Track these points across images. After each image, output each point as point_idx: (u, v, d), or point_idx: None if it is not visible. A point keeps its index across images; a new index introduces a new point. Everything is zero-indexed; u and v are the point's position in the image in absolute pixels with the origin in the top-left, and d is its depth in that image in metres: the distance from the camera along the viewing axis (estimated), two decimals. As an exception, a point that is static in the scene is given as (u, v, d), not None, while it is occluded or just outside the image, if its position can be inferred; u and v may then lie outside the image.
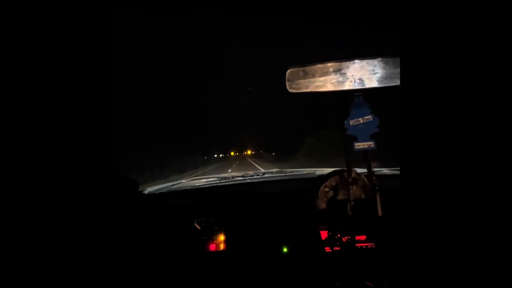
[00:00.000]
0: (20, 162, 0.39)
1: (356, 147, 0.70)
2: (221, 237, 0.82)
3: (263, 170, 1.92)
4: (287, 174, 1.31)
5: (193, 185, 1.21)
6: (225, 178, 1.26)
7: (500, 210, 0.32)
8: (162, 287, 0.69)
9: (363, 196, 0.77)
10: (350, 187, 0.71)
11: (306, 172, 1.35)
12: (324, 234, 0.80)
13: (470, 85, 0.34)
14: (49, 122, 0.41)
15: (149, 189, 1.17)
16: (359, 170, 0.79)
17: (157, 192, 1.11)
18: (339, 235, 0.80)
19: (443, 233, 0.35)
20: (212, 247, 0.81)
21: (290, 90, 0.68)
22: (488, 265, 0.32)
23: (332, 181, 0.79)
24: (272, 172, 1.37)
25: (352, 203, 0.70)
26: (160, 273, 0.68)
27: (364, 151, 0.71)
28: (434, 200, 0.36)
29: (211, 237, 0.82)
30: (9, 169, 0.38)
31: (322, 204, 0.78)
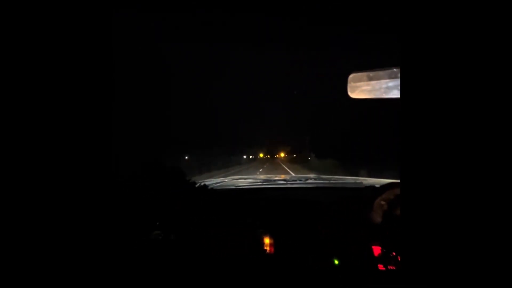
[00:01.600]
0: (21, 161, 0.39)
1: None
2: (267, 240, 0.82)
3: (293, 174, 1.88)
4: (331, 182, 1.26)
5: (236, 184, 1.23)
6: (267, 180, 1.26)
7: (502, 212, 0.31)
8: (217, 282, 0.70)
9: None
10: None
11: (353, 181, 1.28)
12: (377, 250, 0.75)
13: (472, 86, 0.34)
14: (49, 122, 0.41)
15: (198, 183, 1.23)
16: None
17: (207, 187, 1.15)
18: (394, 254, 0.74)
19: (444, 237, 0.34)
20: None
21: (352, 96, 0.65)
22: (490, 268, 0.32)
23: (389, 194, 0.73)
24: (314, 178, 1.33)
25: None
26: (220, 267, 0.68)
27: None
28: (435, 205, 0.35)
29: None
30: (10, 168, 0.38)
31: (378, 218, 0.73)
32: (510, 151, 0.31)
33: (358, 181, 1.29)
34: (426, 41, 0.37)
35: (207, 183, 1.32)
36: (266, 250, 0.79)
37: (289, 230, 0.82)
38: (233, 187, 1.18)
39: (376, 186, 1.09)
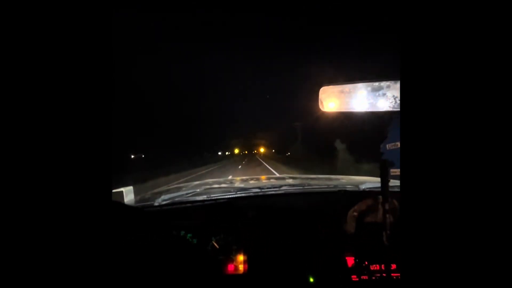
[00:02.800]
0: (20, 162, 0.37)
1: (392, 173, 0.64)
2: (241, 257, 0.78)
3: (277, 175, 1.87)
4: (305, 186, 1.26)
5: (209, 194, 1.18)
6: (241, 189, 1.22)
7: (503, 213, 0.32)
8: None
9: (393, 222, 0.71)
10: (387, 215, 0.65)
11: (325, 183, 1.30)
12: (350, 261, 0.75)
13: (472, 86, 0.34)
14: (49, 123, 0.39)
15: (162, 197, 1.15)
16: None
17: (170, 203, 1.08)
18: (366, 263, 0.75)
19: (443, 238, 0.35)
20: (230, 268, 0.77)
21: (324, 110, 0.64)
22: (490, 269, 0.32)
23: (362, 205, 0.74)
24: (288, 185, 1.32)
25: (388, 232, 0.65)
26: None
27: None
28: (435, 206, 0.36)
29: (230, 257, 0.79)
30: (8, 169, 0.36)
31: (350, 229, 0.73)
32: (509, 151, 0.32)
33: (330, 183, 1.31)
34: (426, 41, 0.37)
35: (177, 194, 1.25)
36: (229, 270, 0.76)
37: (262, 245, 0.79)
38: (205, 197, 1.12)
39: (348, 188, 1.11)
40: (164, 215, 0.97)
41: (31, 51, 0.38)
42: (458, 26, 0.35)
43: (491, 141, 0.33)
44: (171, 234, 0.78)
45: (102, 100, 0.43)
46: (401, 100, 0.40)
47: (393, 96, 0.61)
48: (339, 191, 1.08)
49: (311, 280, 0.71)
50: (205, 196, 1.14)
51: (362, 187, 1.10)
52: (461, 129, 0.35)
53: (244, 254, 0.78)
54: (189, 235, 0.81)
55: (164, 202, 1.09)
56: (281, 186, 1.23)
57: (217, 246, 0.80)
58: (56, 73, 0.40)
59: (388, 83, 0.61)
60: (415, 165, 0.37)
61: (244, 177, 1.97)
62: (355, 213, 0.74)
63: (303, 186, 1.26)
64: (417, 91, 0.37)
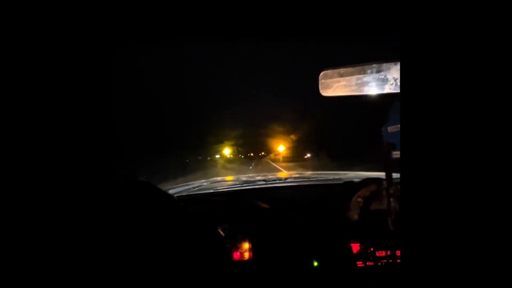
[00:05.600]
0: (20, 163, 0.38)
1: (395, 156, 0.64)
2: (246, 245, 0.79)
3: (284, 174, 1.87)
4: (311, 179, 1.26)
5: (215, 187, 1.20)
6: (247, 181, 1.23)
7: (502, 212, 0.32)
8: None
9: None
10: (391, 199, 0.65)
11: (331, 177, 1.29)
12: (355, 247, 0.75)
13: (471, 85, 0.34)
14: (49, 125, 0.41)
15: (170, 191, 1.17)
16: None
17: (178, 195, 1.10)
18: (372, 249, 0.74)
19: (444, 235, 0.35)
20: (236, 255, 0.78)
21: (324, 94, 0.64)
22: (490, 268, 0.32)
23: (365, 191, 0.73)
24: (294, 177, 1.32)
25: (393, 216, 0.64)
26: (180, 283, 0.66)
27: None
28: (435, 203, 0.36)
29: (235, 244, 0.80)
30: (9, 169, 0.37)
31: (355, 216, 0.73)
32: (510, 150, 0.32)
33: (337, 177, 1.30)
34: (426, 42, 0.37)
35: (184, 188, 1.27)
36: (235, 257, 0.77)
37: (267, 233, 0.80)
38: (212, 191, 1.14)
39: (355, 180, 1.10)
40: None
41: (34, 54, 0.39)
42: (459, 26, 0.35)
43: (491, 139, 0.33)
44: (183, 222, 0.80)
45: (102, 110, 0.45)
46: (401, 99, 0.40)
47: (394, 78, 0.61)
48: (345, 182, 1.08)
49: (315, 264, 0.71)
50: (212, 190, 1.16)
51: None
52: (462, 127, 0.34)
53: (249, 242, 0.79)
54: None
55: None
56: (286, 178, 1.24)
57: (223, 234, 0.81)
58: (59, 86, 0.41)
59: (388, 64, 0.61)
60: (415, 152, 0.38)
61: (251, 174, 1.99)
62: (359, 199, 0.74)
63: (309, 179, 1.26)
64: (417, 76, 0.38)
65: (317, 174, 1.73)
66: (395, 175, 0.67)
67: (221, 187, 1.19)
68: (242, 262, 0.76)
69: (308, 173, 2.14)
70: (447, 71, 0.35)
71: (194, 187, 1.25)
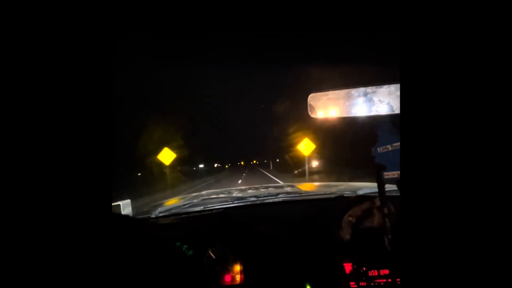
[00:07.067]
0: (20, 163, 0.37)
1: (386, 177, 0.65)
2: (237, 268, 0.77)
3: (276, 187, 1.86)
4: (302, 194, 1.26)
5: (205, 204, 1.18)
6: (238, 198, 1.22)
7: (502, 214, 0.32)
8: None
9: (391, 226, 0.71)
10: (386, 219, 0.65)
11: (323, 191, 1.29)
12: (348, 267, 0.74)
13: (471, 87, 0.34)
14: (50, 126, 0.39)
15: (159, 209, 1.15)
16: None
17: (167, 215, 1.08)
18: (364, 269, 0.74)
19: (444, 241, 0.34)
20: (227, 278, 0.76)
21: (312, 116, 0.65)
22: (489, 271, 0.32)
23: (357, 210, 0.74)
24: (285, 193, 1.32)
25: (390, 236, 0.64)
26: None
27: (396, 182, 0.65)
28: (435, 209, 0.35)
29: (226, 267, 0.78)
30: (8, 170, 0.36)
31: (346, 236, 0.73)
32: (509, 152, 0.32)
33: (328, 191, 1.31)
34: (426, 42, 0.37)
35: (174, 205, 1.25)
36: (226, 280, 0.75)
37: (259, 254, 0.78)
38: (202, 208, 1.12)
39: (346, 194, 1.11)
40: (160, 227, 0.96)
41: (35, 55, 0.38)
42: (459, 26, 0.35)
43: (492, 142, 0.33)
44: (165, 246, 0.78)
45: (104, 113, 0.44)
46: (401, 101, 0.40)
47: (379, 100, 0.62)
48: (336, 197, 1.08)
49: (308, 287, 0.70)
50: (202, 207, 1.13)
51: (360, 192, 1.09)
52: (462, 130, 0.34)
53: (240, 264, 0.77)
54: (185, 246, 0.81)
55: (161, 214, 1.09)
56: (278, 194, 1.23)
57: (214, 257, 0.79)
58: (58, 89, 0.40)
59: (373, 88, 0.63)
60: (415, 168, 0.37)
61: (242, 187, 1.97)
62: (351, 218, 0.74)
63: (300, 194, 1.26)
64: (416, 93, 0.37)
65: (308, 186, 1.74)
66: (388, 188, 0.67)
67: (212, 204, 1.17)
68: (233, 287, 0.74)
69: (300, 184, 2.15)
70: (447, 71, 0.35)
71: (184, 205, 1.22)
